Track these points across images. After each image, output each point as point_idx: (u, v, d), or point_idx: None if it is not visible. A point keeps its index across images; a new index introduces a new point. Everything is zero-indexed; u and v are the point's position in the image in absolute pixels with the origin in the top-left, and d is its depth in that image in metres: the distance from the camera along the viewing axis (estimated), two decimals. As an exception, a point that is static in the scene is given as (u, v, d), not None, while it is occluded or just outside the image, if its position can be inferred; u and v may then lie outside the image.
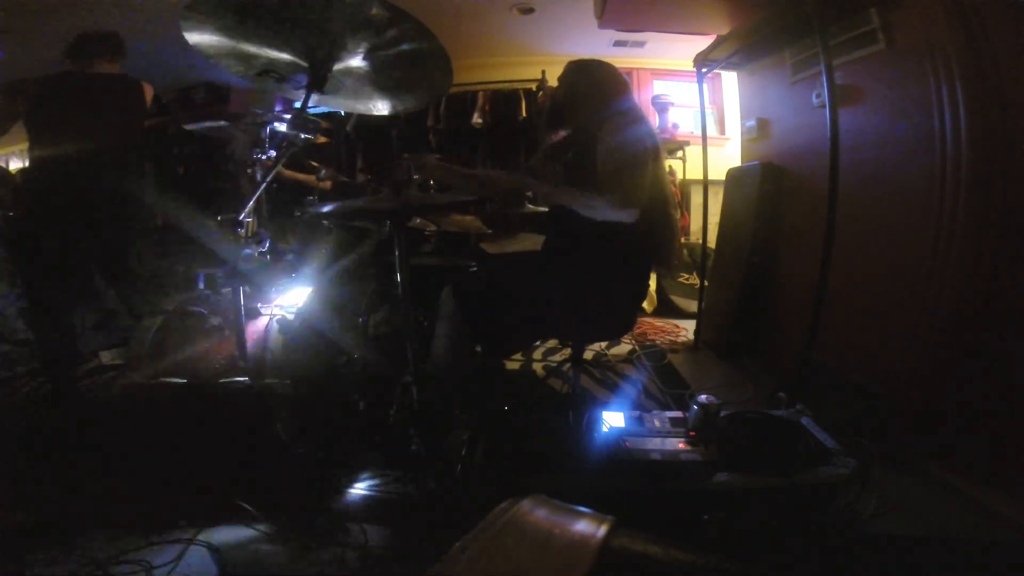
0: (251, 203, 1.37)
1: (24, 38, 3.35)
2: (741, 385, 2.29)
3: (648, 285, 1.68)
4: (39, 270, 1.94)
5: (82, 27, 2.05)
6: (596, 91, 1.49)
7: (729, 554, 0.39)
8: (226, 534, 1.26)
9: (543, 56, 4.11)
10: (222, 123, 2.10)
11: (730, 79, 3.66)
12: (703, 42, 2.80)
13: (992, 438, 1.49)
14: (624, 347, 2.82)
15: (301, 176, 2.67)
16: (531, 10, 3.47)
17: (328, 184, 2.43)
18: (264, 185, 1.39)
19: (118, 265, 2.06)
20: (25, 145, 1.89)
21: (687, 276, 3.79)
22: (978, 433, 1.52)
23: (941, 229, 1.57)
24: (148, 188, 2.07)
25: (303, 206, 2.02)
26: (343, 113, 4.38)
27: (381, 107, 1.51)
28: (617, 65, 1.57)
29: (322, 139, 2.88)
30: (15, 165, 4.01)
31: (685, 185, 4.06)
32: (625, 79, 1.56)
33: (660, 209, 1.44)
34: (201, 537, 1.24)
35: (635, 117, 1.47)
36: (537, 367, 2.48)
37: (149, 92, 2.08)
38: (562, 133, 1.58)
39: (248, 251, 1.34)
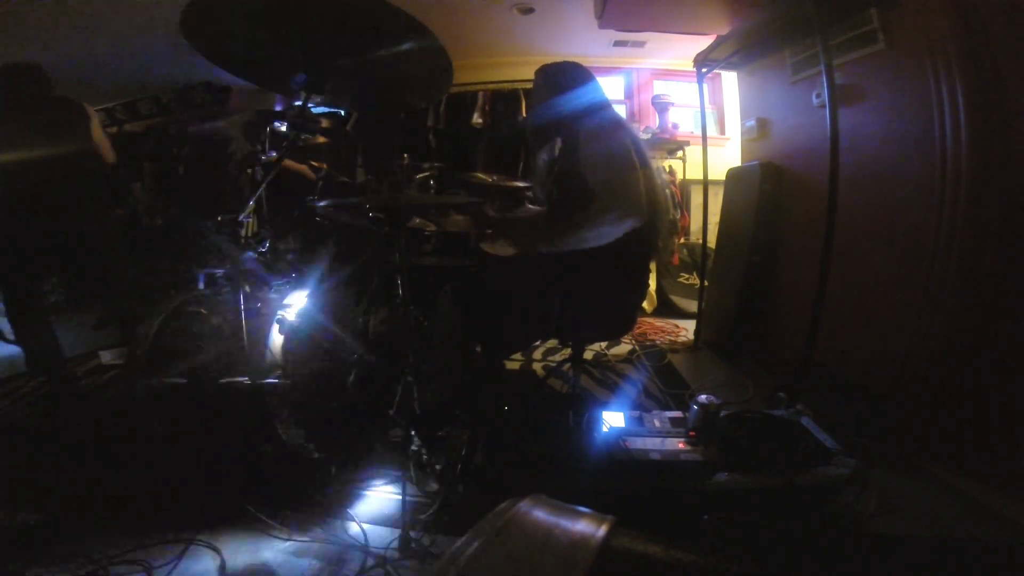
0: (251, 203, 1.38)
1: (22, 38, 3.35)
2: (741, 385, 2.29)
3: (648, 285, 1.68)
4: (6, 278, 1.98)
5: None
6: (567, 95, 1.50)
7: (729, 554, 0.39)
8: (226, 534, 1.26)
9: (543, 56, 4.06)
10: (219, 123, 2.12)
11: (730, 79, 3.66)
12: (703, 42, 2.80)
13: (992, 438, 1.49)
14: (624, 347, 2.81)
15: (294, 165, 2.65)
16: (531, 10, 3.47)
17: (310, 173, 2.40)
18: (264, 184, 1.39)
19: (89, 270, 2.11)
20: None
21: (687, 276, 3.79)
22: (978, 433, 1.52)
23: (941, 229, 1.57)
24: (93, 204, 2.10)
25: (303, 206, 2.02)
26: (343, 113, 4.40)
27: (381, 107, 1.51)
28: (617, 65, 1.58)
29: (321, 139, 2.88)
30: None
31: (685, 185, 4.06)
32: (592, 77, 1.56)
33: (653, 211, 1.45)
34: (201, 537, 1.24)
35: (613, 123, 1.47)
36: (537, 367, 2.48)
37: (84, 106, 2.12)
38: (556, 145, 1.59)
39: (248, 251, 1.34)
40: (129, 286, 2.16)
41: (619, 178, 1.35)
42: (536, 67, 1.62)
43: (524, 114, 4.24)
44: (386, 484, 1.46)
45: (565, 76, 1.54)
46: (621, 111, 4.42)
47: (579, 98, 1.50)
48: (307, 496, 1.41)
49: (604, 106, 1.53)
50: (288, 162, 2.58)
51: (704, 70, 2.82)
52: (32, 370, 2.08)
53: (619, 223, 1.32)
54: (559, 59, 1.64)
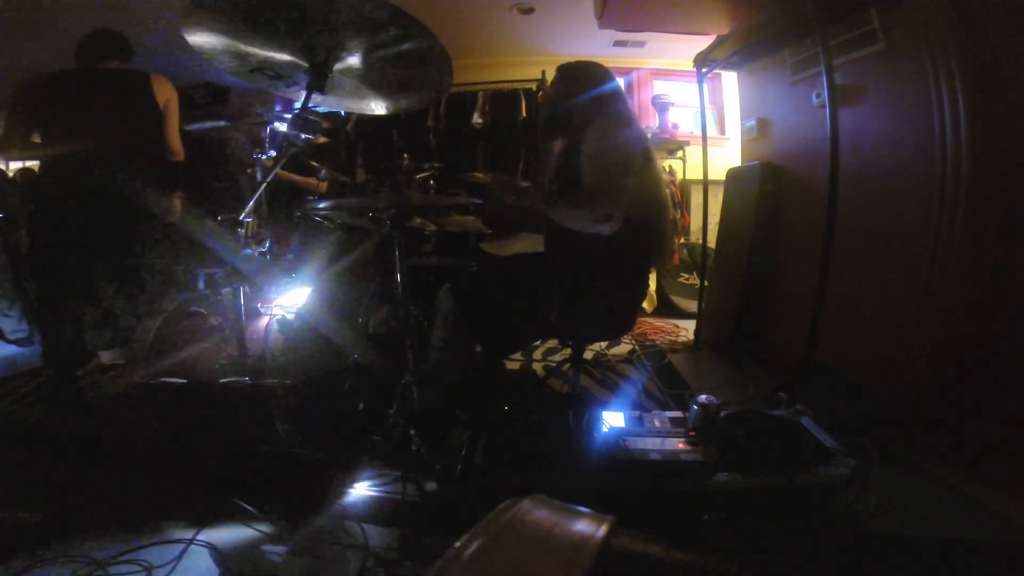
0: (251, 203, 1.37)
1: (21, 38, 3.35)
2: (741, 385, 2.29)
3: (648, 285, 1.69)
4: (47, 267, 1.93)
5: (86, 26, 2.02)
6: (585, 95, 1.50)
7: (729, 554, 0.39)
8: (226, 534, 1.26)
9: (543, 56, 4.11)
10: (221, 123, 2.09)
11: (730, 79, 3.66)
12: (703, 42, 2.80)
13: (992, 438, 1.49)
14: (624, 347, 2.81)
15: (299, 178, 2.68)
16: (531, 10, 3.47)
17: (323, 186, 2.42)
18: (264, 185, 1.39)
19: (124, 262, 2.05)
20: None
21: (687, 276, 3.79)
22: (978, 433, 1.52)
23: (941, 229, 1.57)
24: (155, 185, 2.00)
25: (303, 206, 2.02)
26: (343, 113, 4.40)
27: (381, 107, 1.51)
28: (617, 65, 1.58)
29: (322, 139, 2.88)
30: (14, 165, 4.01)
31: (685, 185, 4.06)
32: (614, 79, 1.56)
33: (654, 211, 1.45)
34: (201, 537, 1.24)
35: (624, 120, 1.47)
36: (537, 367, 2.48)
37: (166, 86, 2.02)
38: (560, 142, 1.59)
39: (248, 251, 1.34)
40: (147, 282, 2.11)
41: (609, 179, 1.36)
42: (537, 67, 1.63)
43: (524, 114, 4.25)
44: (386, 484, 1.46)
45: (584, 75, 1.55)
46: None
47: (595, 97, 1.50)
48: (307, 496, 1.41)
49: (617, 104, 1.53)
50: (295, 177, 2.60)
51: (704, 70, 2.82)
52: (49, 366, 2.01)
53: (596, 224, 1.34)
54: (559, 59, 1.65)
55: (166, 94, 2.00)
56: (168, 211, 2.07)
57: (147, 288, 2.05)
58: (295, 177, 2.70)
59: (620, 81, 4.43)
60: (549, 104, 1.62)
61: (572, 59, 1.62)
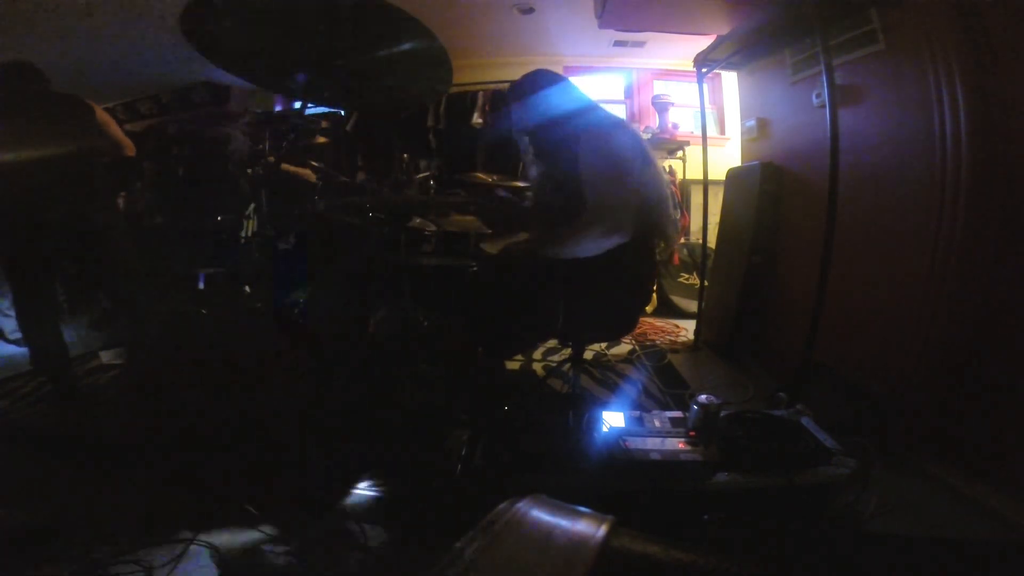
0: (251, 203, 1.38)
1: (22, 38, 3.35)
2: (741, 385, 2.29)
3: (650, 287, 1.68)
4: (18, 275, 1.97)
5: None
6: (552, 107, 1.47)
7: (729, 554, 0.39)
8: (226, 535, 1.26)
9: (543, 56, 4.11)
10: (220, 123, 2.10)
11: (730, 79, 3.66)
12: (703, 42, 2.80)
13: (992, 438, 1.49)
14: (624, 347, 2.81)
15: (299, 170, 2.67)
16: (531, 10, 3.47)
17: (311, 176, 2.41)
18: (264, 185, 1.39)
19: (95, 268, 2.09)
20: None
21: (687, 276, 3.79)
22: (978, 433, 1.52)
23: (941, 229, 1.57)
24: (104, 197, 2.06)
25: (303, 206, 2.02)
26: (343, 113, 4.40)
27: (380, 107, 1.51)
28: (617, 65, 1.57)
29: (321, 139, 2.87)
30: None
31: (685, 185, 4.06)
32: (570, 85, 1.52)
33: (656, 210, 1.44)
34: (201, 537, 1.24)
35: (612, 125, 1.46)
36: (537, 367, 2.48)
37: (89, 101, 2.08)
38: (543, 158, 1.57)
39: (248, 251, 1.34)
40: (140, 280, 2.14)
41: (611, 192, 1.35)
42: (537, 67, 1.60)
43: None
44: (385, 484, 1.46)
45: (537, 83, 1.50)
46: (621, 111, 4.41)
47: (575, 111, 1.47)
48: (306, 496, 1.41)
49: (595, 111, 1.50)
50: (287, 166, 2.59)
51: (704, 70, 2.82)
52: (37, 369, 2.05)
53: (603, 239, 1.33)
54: (560, 59, 1.64)
55: (93, 106, 2.08)
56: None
57: (129, 291, 2.07)
58: (298, 169, 2.69)
59: (620, 80, 4.36)
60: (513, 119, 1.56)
61: (572, 60, 1.61)
